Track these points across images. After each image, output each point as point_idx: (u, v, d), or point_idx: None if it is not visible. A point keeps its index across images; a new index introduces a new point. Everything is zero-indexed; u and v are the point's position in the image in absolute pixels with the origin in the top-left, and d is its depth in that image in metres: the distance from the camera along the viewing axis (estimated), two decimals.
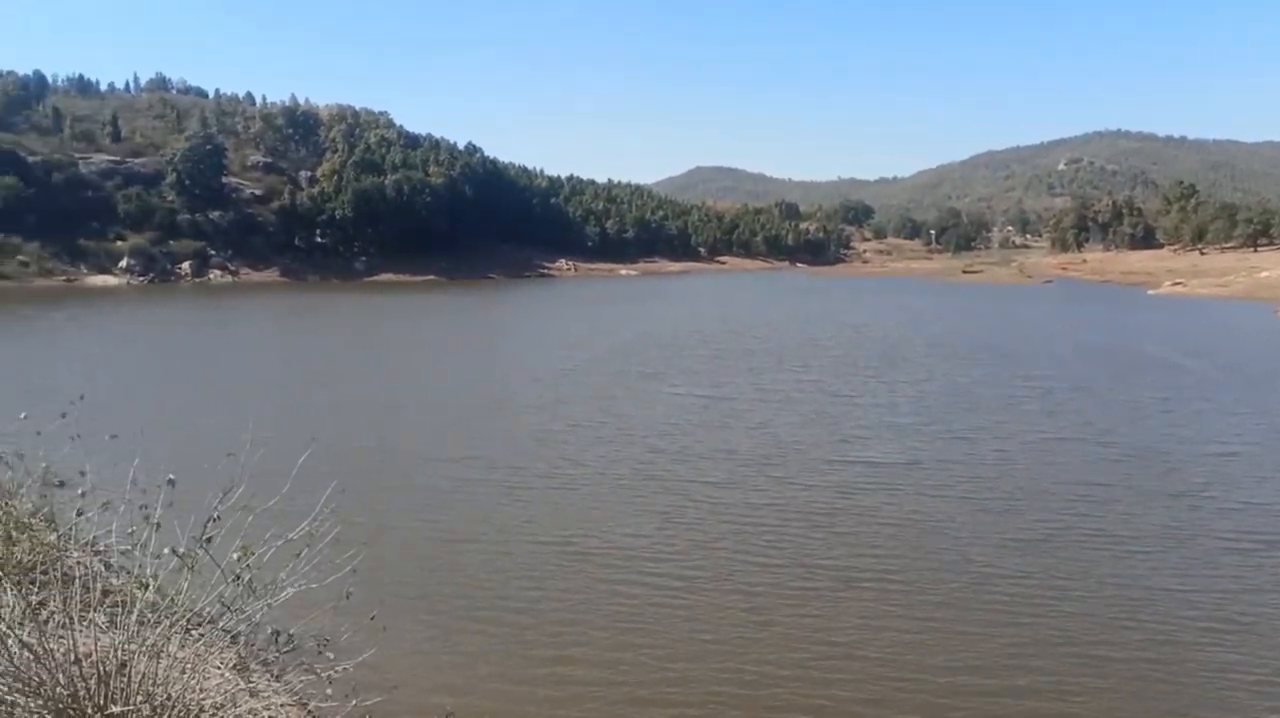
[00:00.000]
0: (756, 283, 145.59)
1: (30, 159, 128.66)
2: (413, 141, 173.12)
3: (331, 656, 7.18)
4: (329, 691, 7.30)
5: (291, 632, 7.18)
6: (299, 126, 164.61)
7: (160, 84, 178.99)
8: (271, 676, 7.67)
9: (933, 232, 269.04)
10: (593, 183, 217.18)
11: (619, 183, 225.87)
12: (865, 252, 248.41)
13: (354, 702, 7.32)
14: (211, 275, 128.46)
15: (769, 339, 57.51)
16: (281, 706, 7.54)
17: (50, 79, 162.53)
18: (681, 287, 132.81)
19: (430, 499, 21.37)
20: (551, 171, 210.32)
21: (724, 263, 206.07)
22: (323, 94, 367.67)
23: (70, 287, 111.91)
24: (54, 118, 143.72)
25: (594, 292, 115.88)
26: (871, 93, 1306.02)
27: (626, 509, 20.64)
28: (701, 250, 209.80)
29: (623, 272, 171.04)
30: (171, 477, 7.60)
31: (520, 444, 26.84)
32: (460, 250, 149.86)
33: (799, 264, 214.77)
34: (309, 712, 7.38)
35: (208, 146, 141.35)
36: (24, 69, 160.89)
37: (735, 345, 53.72)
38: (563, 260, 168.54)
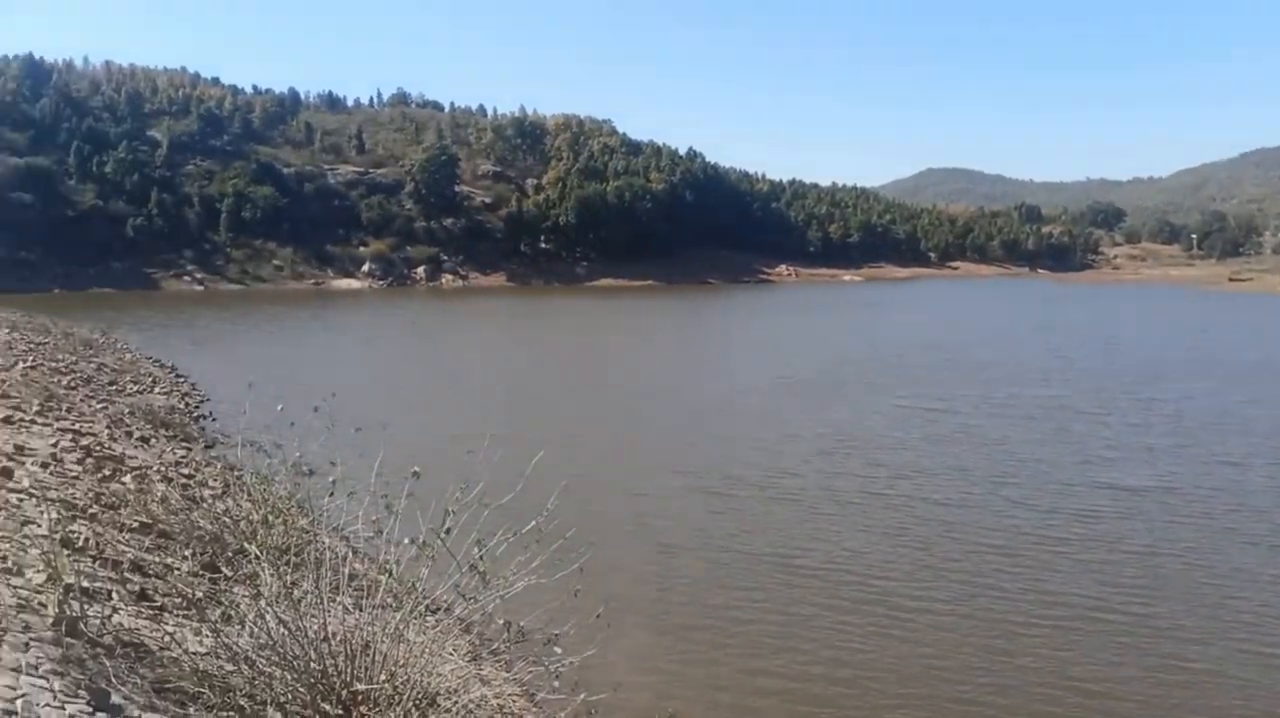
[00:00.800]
0: (992, 290, 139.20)
1: (285, 171, 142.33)
2: (634, 148, 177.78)
3: (559, 650, 7.46)
4: (556, 683, 7.59)
5: (521, 624, 7.52)
6: (526, 136, 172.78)
7: (401, 98, 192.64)
8: (501, 665, 8.08)
9: (1194, 236, 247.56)
10: (815, 186, 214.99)
11: (843, 186, 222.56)
12: (1116, 257, 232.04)
13: (580, 697, 7.60)
14: (444, 280, 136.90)
15: (1006, 350, 54.82)
16: (510, 695, 7.94)
17: (303, 96, 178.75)
18: (909, 293, 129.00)
19: (650, 505, 21.81)
20: (773, 175, 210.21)
21: (956, 268, 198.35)
22: (549, 104, 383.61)
23: (318, 289, 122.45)
24: (306, 132, 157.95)
25: (815, 298, 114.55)
26: (1125, 86, 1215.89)
27: (848, 525, 20.26)
28: (931, 255, 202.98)
29: (846, 277, 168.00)
30: (416, 469, 8.15)
31: (739, 453, 26.92)
32: (679, 255, 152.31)
33: (1040, 270, 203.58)
34: (535, 703, 7.75)
35: (443, 157, 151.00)
36: (280, 87, 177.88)
37: (968, 356, 51.56)
38: (783, 266, 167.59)
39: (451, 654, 8.13)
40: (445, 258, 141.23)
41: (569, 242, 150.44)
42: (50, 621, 7.27)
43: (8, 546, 8.91)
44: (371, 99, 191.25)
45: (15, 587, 7.96)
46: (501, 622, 7.50)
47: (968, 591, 16.46)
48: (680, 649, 13.99)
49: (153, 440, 20.28)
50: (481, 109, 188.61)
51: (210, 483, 15.93)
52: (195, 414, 28.46)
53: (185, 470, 17.19)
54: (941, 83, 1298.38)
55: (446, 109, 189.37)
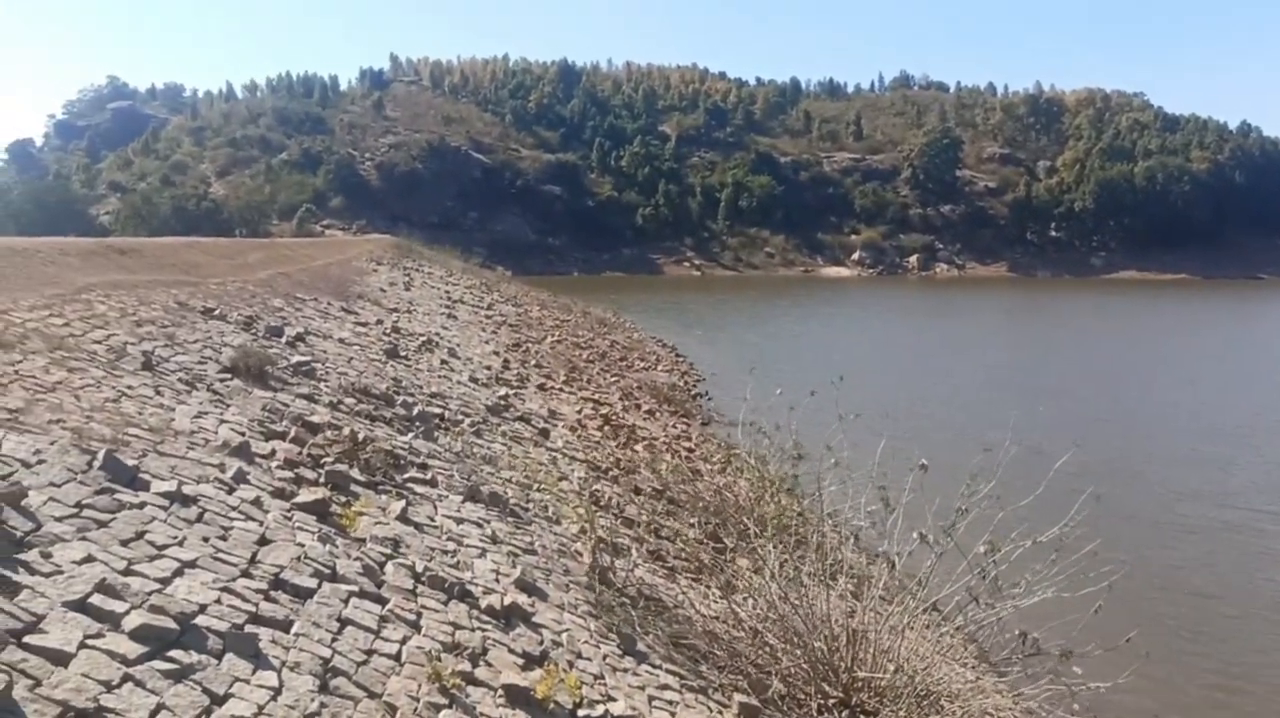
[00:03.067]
0: None
1: (782, 160, 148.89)
2: (1171, 124, 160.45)
3: (1079, 670, 6.99)
4: (1075, 706, 7.14)
5: (1036, 636, 7.16)
6: (1041, 115, 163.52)
7: (903, 81, 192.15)
8: (1006, 679, 7.75)
9: None
10: None
11: None
12: None
13: None
14: (937, 269, 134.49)
15: None
16: (1018, 711, 7.59)
17: (803, 85, 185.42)
18: None
19: (1189, 531, 19.63)
20: None
21: None
22: (1070, 79, 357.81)
23: (807, 276, 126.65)
24: (804, 120, 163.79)
25: None
26: None
27: None
28: None
29: None
30: (924, 462, 8.07)
31: None
32: (1223, 246, 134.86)
33: None
34: None
35: (944, 140, 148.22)
36: (782, 77, 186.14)
37: None
38: None
39: (956, 658, 7.99)
40: (940, 246, 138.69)
41: (1084, 229, 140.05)
42: (585, 568, 8.31)
43: (548, 497, 10.32)
44: (872, 83, 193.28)
45: (556, 533, 9.20)
46: (1016, 633, 7.18)
47: None
48: (1225, 703, 12.41)
49: (657, 414, 22.30)
50: (991, 87, 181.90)
51: (710, 458, 17.19)
52: (693, 393, 30.80)
53: (687, 444, 18.71)
54: None
55: (951, 90, 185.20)
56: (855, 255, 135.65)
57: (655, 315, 61.42)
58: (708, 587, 9.27)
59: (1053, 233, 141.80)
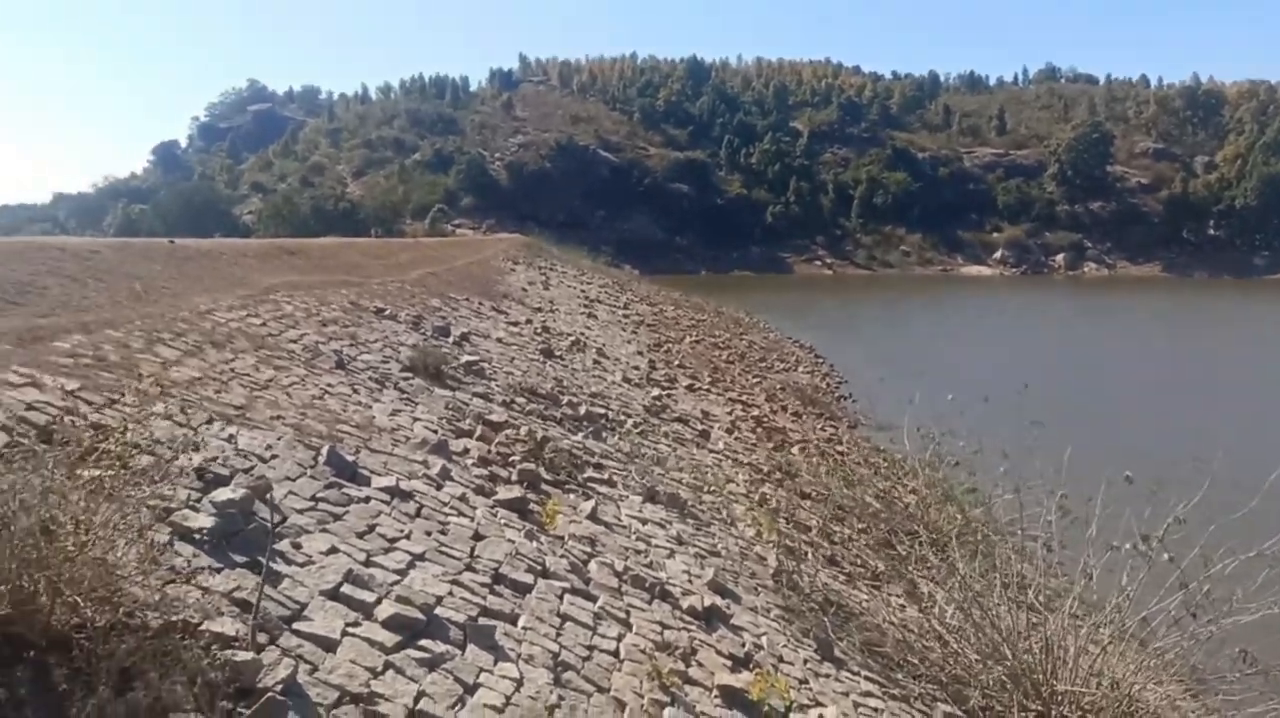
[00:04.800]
0: None
1: (919, 155, 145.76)
2: None
3: None
4: None
5: (1253, 652, 6.95)
6: (1199, 107, 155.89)
7: (1049, 74, 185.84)
8: (1221, 697, 7.54)
9: None
10: None
11: None
12: None
13: None
14: (1085, 268, 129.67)
15: None
16: None
17: (942, 78, 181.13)
18: None
19: None
20: None
21: None
22: (1230, 70, 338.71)
23: (945, 275, 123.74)
24: (943, 115, 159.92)
25: None
26: None
27: None
28: None
29: None
30: (1129, 474, 7.91)
31: None
32: None
33: None
34: None
35: (1094, 135, 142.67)
36: (920, 71, 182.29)
37: None
38: None
39: (1161, 675, 7.79)
40: (1089, 245, 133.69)
41: (1246, 227, 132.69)
42: (771, 571, 8.42)
43: (720, 499, 10.48)
44: (1016, 76, 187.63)
45: (734, 536, 9.35)
46: (1238, 650, 6.98)
47: None
48: None
49: (803, 416, 22.24)
50: (1144, 80, 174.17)
51: (867, 462, 17.10)
52: (836, 394, 30.55)
53: (839, 448, 18.62)
54: None
55: (1101, 82, 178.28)
56: (997, 254, 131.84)
57: (788, 315, 60.94)
58: (889, 594, 9.27)
59: (1211, 231, 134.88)
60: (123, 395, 6.74)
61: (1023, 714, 6.95)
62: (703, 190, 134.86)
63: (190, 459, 5.82)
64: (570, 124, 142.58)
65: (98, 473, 4.53)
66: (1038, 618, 7.49)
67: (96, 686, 3.64)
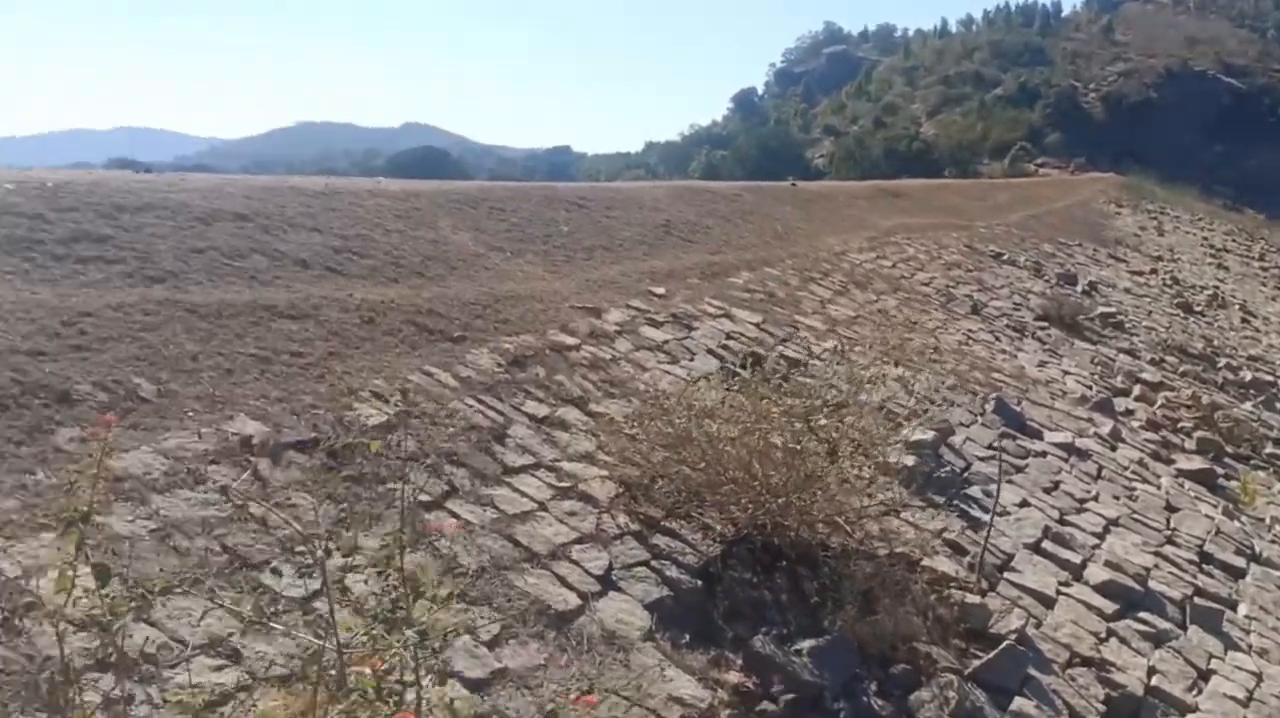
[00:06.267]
0: None
1: None
2: None
3: None
4: None
5: None
6: None
7: None
8: None
9: None
10: None
11: None
12: None
13: None
14: None
15: None
16: None
17: None
18: None
19: None
20: None
21: None
22: None
23: None
24: None
25: None
26: None
27: None
28: None
29: None
30: None
31: None
32: None
33: None
34: None
35: None
36: None
37: None
38: None
39: None
40: None
41: None
42: None
43: None
44: None
45: None
46: None
47: None
48: None
49: None
50: None
51: None
52: None
53: None
54: None
55: None
56: None
57: None
58: None
59: None
60: (795, 329, 7.21)
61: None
62: None
63: (870, 397, 6.04)
64: (1185, 47, 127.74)
65: (792, 403, 4.81)
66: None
67: (844, 603, 3.87)
